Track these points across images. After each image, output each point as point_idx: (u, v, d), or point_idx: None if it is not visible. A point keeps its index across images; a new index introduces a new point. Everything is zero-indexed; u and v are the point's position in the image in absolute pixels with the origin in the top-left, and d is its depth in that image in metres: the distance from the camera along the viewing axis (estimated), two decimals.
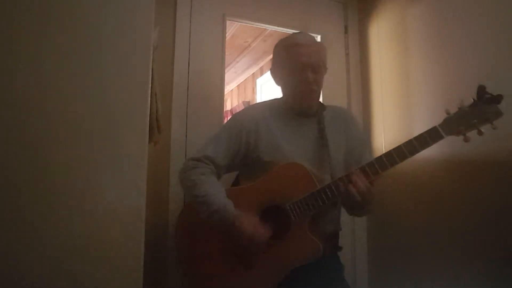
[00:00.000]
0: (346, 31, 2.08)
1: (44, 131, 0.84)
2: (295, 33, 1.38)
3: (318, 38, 2.03)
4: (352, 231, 1.91)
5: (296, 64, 1.24)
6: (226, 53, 1.84)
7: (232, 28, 2.65)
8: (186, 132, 1.69)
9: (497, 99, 0.99)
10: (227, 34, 2.02)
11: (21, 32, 0.85)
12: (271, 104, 1.36)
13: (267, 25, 2.01)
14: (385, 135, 1.85)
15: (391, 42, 1.86)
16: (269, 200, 1.18)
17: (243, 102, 3.87)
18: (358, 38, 2.09)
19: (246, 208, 1.17)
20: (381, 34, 1.94)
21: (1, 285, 0.76)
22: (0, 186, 0.79)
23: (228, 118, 1.37)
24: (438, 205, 1.51)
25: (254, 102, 3.57)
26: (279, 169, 1.19)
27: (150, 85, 0.96)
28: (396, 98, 1.81)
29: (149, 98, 0.95)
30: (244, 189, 1.25)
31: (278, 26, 1.99)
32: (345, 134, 1.32)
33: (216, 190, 1.18)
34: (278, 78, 1.35)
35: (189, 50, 1.74)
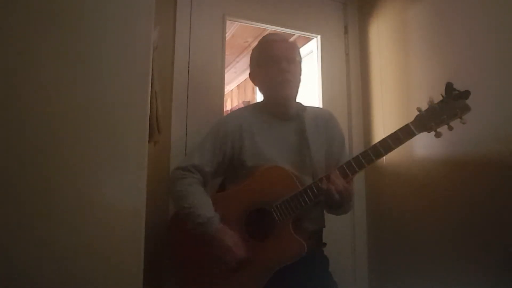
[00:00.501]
0: (346, 31, 2.08)
1: (44, 131, 0.84)
2: (268, 33, 1.45)
3: (318, 38, 2.04)
4: (352, 230, 1.91)
5: (270, 57, 1.31)
6: (226, 53, 1.84)
7: (232, 28, 2.65)
8: (186, 132, 1.69)
9: (465, 95, 1.04)
10: (227, 34, 2.02)
11: (21, 32, 0.85)
12: (253, 109, 1.41)
13: (267, 25, 2.01)
14: (385, 135, 1.84)
15: (391, 42, 1.86)
16: (254, 203, 1.22)
17: (243, 102, 3.87)
18: (358, 38, 2.09)
19: (232, 211, 1.22)
20: (381, 34, 1.94)
21: (1, 285, 0.76)
22: (0, 186, 0.79)
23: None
24: (438, 205, 1.51)
25: (255, 102, 3.57)
26: (261, 172, 1.22)
27: (150, 85, 0.96)
28: (396, 98, 1.81)
29: (149, 98, 0.95)
30: (229, 194, 1.29)
31: (278, 26, 1.99)
32: (326, 135, 1.35)
33: (202, 202, 1.21)
34: (256, 79, 1.40)
35: (189, 50, 1.74)
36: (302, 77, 1.38)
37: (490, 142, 1.32)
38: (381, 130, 1.88)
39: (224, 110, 1.85)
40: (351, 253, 1.89)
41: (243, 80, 3.97)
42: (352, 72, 2.05)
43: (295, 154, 1.29)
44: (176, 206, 1.29)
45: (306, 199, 1.15)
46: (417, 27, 1.71)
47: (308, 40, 2.18)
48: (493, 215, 1.30)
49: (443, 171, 1.50)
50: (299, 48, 1.39)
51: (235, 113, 1.43)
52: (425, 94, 1.63)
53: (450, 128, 1.07)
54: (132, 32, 0.94)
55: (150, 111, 0.96)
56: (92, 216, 0.85)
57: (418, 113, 1.10)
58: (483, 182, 1.34)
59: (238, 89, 4.17)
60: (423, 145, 1.57)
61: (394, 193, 1.75)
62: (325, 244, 1.35)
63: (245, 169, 1.27)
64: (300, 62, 1.36)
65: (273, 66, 1.29)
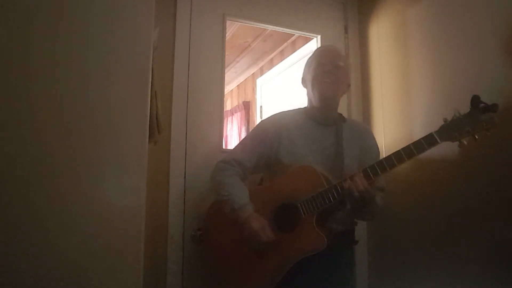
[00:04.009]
0: (346, 31, 2.08)
1: (44, 131, 0.84)
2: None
3: (318, 38, 2.04)
4: None
5: (318, 62, 1.41)
6: (226, 53, 1.84)
7: (232, 28, 2.65)
8: (186, 132, 1.69)
9: (493, 108, 1.03)
10: (227, 34, 2.01)
11: (21, 32, 0.85)
12: (295, 112, 1.49)
13: (267, 25, 2.01)
14: (385, 135, 1.85)
15: (391, 42, 1.86)
16: (283, 198, 1.31)
17: (243, 102, 3.87)
18: (358, 38, 2.09)
19: (264, 205, 1.32)
20: (381, 34, 1.94)
21: (1, 284, 0.76)
22: (0, 186, 0.79)
23: (255, 125, 1.50)
24: (439, 205, 1.51)
25: (254, 102, 3.57)
26: (293, 171, 1.32)
27: (150, 85, 0.96)
28: (396, 98, 1.81)
29: (149, 98, 0.95)
30: (263, 189, 1.43)
31: (278, 26, 1.99)
32: (360, 146, 1.42)
33: (239, 191, 1.34)
34: (304, 82, 1.49)
35: (189, 50, 1.74)
36: (348, 82, 1.46)
37: (491, 142, 1.32)
38: (381, 130, 1.88)
39: (224, 110, 1.85)
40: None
41: (243, 80, 3.96)
42: (352, 72, 2.05)
43: (329, 158, 1.36)
44: (216, 194, 1.43)
45: (330, 197, 1.21)
46: (417, 27, 1.71)
47: (308, 40, 2.18)
48: (493, 215, 1.30)
49: (444, 171, 1.50)
50: (345, 55, 1.47)
51: (278, 114, 1.51)
52: (425, 94, 1.64)
53: (475, 139, 1.07)
54: (132, 32, 0.94)
55: (150, 111, 0.96)
56: (92, 216, 0.85)
57: (443, 122, 1.11)
58: (484, 182, 1.34)
59: (238, 89, 4.17)
60: None
61: (394, 193, 1.75)
62: (357, 241, 1.43)
63: (281, 166, 1.36)
64: (343, 67, 1.42)
65: (318, 68, 1.39)
